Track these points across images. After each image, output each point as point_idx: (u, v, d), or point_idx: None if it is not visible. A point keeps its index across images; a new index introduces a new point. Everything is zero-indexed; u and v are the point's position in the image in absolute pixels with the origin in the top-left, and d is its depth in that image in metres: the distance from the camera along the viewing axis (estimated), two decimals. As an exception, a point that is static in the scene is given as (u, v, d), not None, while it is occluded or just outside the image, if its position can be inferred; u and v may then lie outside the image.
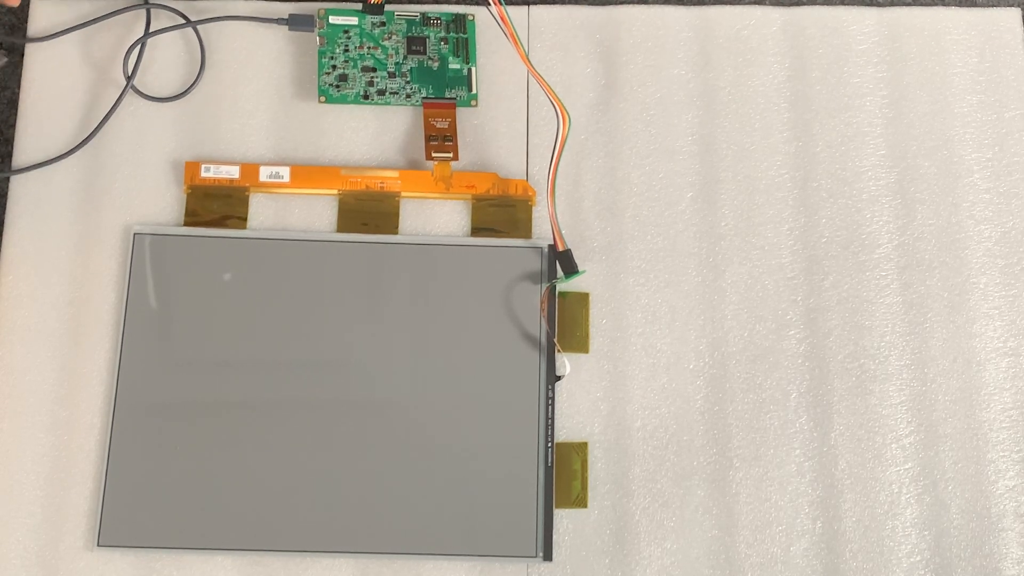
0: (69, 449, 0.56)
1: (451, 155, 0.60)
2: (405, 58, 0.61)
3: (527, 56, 0.59)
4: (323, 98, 0.61)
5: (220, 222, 0.59)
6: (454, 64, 0.62)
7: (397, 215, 0.60)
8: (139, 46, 0.61)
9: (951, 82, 0.63)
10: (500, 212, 0.60)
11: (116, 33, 0.62)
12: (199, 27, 0.62)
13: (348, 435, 0.56)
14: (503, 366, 0.58)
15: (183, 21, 0.62)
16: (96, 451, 0.56)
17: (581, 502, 0.56)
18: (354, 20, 0.61)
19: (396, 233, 0.60)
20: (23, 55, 0.62)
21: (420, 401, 0.57)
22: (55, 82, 0.61)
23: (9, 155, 0.60)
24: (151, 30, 0.61)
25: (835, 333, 0.59)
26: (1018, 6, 0.65)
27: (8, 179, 0.60)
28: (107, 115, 0.60)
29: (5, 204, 0.60)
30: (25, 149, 0.60)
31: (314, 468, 0.56)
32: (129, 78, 0.60)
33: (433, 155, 0.60)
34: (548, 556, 0.55)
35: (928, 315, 0.60)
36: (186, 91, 0.61)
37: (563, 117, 0.57)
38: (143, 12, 0.62)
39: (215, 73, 0.62)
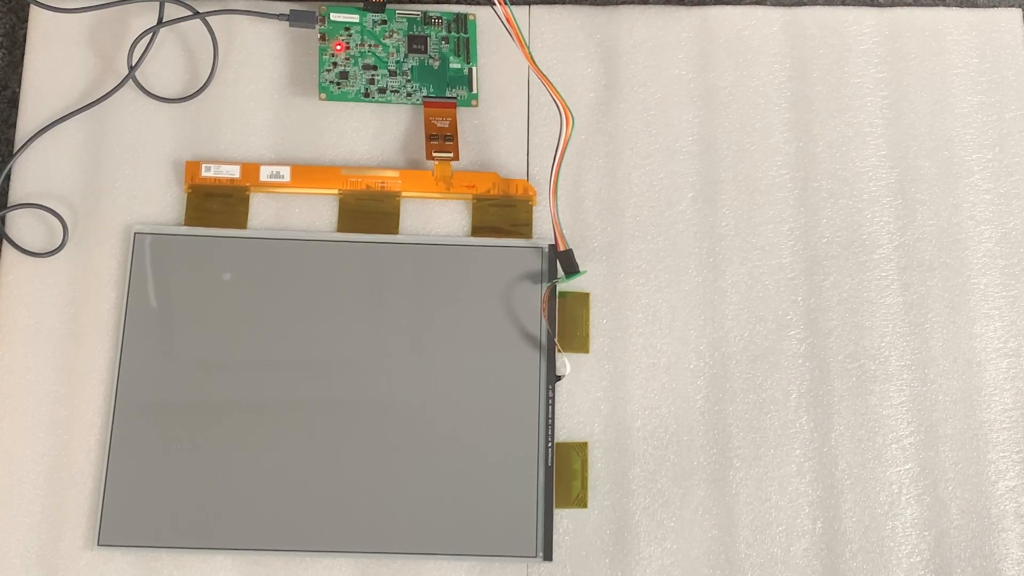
0: (69, 449, 0.56)
1: (452, 155, 0.60)
2: (406, 57, 0.61)
3: (531, 57, 0.59)
4: (323, 95, 0.61)
5: (220, 222, 0.59)
6: (455, 63, 0.62)
7: (397, 215, 0.60)
8: (145, 38, 0.61)
9: (952, 82, 0.63)
10: (501, 212, 0.60)
11: (118, 30, 0.62)
12: (210, 22, 0.61)
13: (348, 435, 0.56)
14: (503, 366, 0.58)
15: (186, 15, 0.61)
16: (96, 451, 0.56)
17: (581, 502, 0.56)
18: (355, 17, 0.61)
19: (396, 233, 0.60)
20: (23, 54, 0.62)
21: (420, 401, 0.57)
22: (57, 82, 0.61)
23: (11, 154, 0.60)
24: (153, 26, 0.61)
25: (835, 333, 0.59)
26: (1018, 6, 0.65)
27: (9, 178, 0.60)
28: (106, 95, 0.60)
29: (6, 202, 0.60)
30: (26, 145, 0.60)
31: (314, 468, 0.56)
32: (132, 68, 0.60)
33: (434, 155, 0.60)
34: (548, 556, 0.55)
35: (928, 316, 0.60)
36: (201, 88, 0.61)
37: (567, 117, 0.57)
38: (144, 8, 0.62)
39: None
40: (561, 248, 0.58)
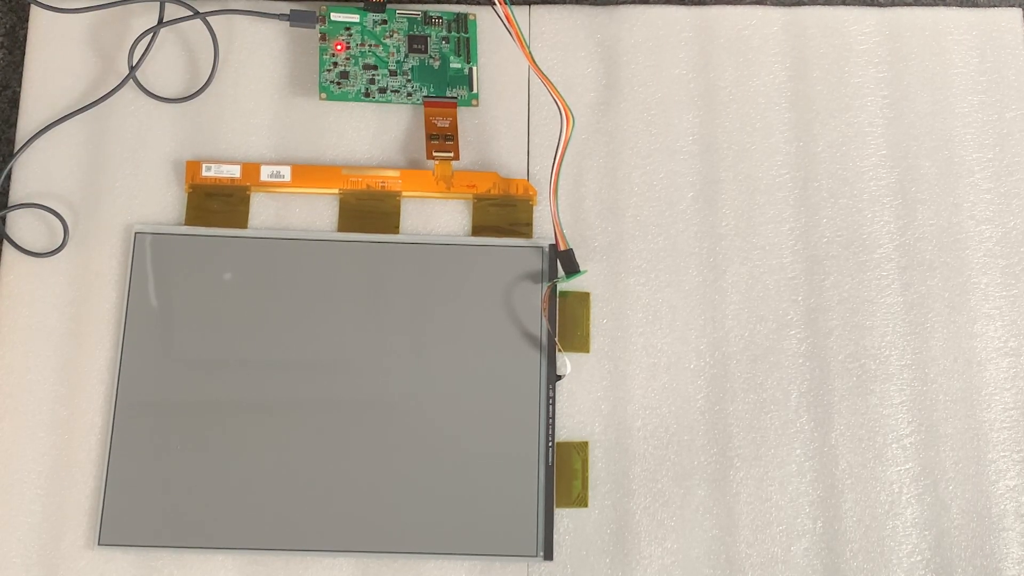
0: (69, 448, 0.56)
1: (452, 154, 0.60)
2: (406, 56, 0.61)
3: (532, 56, 0.59)
4: (324, 95, 0.61)
5: (221, 222, 0.59)
6: (455, 63, 0.62)
7: (398, 214, 0.60)
8: (145, 38, 0.61)
9: (952, 82, 0.63)
10: (501, 212, 0.60)
11: (118, 30, 0.62)
12: (210, 22, 0.61)
13: (348, 434, 0.56)
14: (504, 366, 0.58)
15: (186, 15, 0.61)
16: (96, 450, 0.56)
17: (582, 501, 0.56)
18: (355, 17, 0.61)
19: (397, 233, 0.60)
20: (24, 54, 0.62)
21: (420, 401, 0.57)
22: (57, 82, 0.61)
23: (11, 154, 0.60)
24: (153, 26, 0.61)
25: (836, 333, 0.59)
26: (1019, 6, 0.65)
27: (9, 178, 0.60)
28: (106, 95, 0.60)
29: (6, 202, 0.60)
30: (26, 144, 0.60)
31: (314, 467, 0.56)
32: (132, 68, 0.60)
33: (434, 154, 0.60)
34: (548, 556, 0.55)
35: (929, 315, 0.60)
36: (202, 88, 0.61)
37: (567, 117, 0.57)
38: (145, 8, 0.62)
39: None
40: (561, 248, 0.58)
